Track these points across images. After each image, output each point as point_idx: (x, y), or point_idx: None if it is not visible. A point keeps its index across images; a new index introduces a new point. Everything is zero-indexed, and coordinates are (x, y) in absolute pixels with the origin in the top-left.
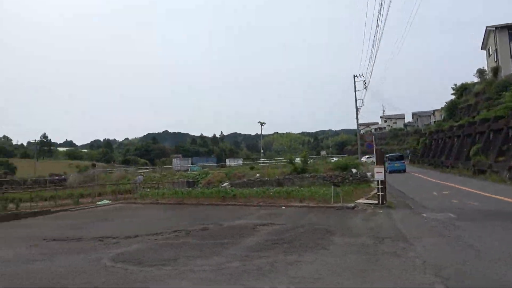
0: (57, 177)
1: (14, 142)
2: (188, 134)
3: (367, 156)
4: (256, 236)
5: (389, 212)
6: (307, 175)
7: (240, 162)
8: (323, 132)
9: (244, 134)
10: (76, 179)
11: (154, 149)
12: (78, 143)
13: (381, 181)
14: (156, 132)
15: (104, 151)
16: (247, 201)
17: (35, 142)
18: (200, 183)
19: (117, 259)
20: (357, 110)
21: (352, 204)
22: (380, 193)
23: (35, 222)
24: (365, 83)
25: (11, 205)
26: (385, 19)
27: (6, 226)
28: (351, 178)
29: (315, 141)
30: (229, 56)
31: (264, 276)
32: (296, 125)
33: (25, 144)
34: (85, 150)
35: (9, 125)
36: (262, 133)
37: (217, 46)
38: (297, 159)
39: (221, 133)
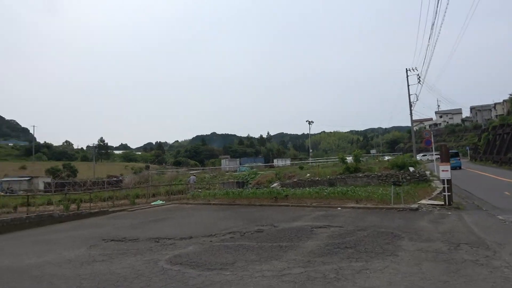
0: (115, 178)
1: (75, 147)
2: (235, 135)
3: (422, 154)
4: (315, 240)
5: (459, 214)
6: (360, 175)
7: (288, 162)
8: (372, 130)
9: (291, 134)
10: (131, 180)
11: (203, 150)
12: (132, 146)
13: (448, 180)
14: (205, 134)
15: (156, 153)
16: (300, 202)
17: (93, 146)
18: (250, 183)
19: (174, 261)
20: (410, 106)
21: (415, 205)
22: (446, 193)
23: (94, 222)
24: (419, 77)
25: (73, 206)
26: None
27: (68, 226)
28: (408, 177)
29: (364, 140)
30: (273, 56)
31: (331, 285)
32: (344, 124)
33: (84, 148)
34: (139, 153)
35: (71, 130)
36: (309, 133)
37: (260, 48)
38: (348, 158)
39: (268, 133)
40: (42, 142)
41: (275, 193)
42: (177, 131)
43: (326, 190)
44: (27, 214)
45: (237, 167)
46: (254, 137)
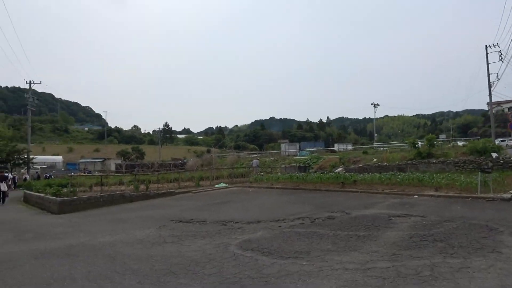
0: (180, 161)
1: (142, 131)
2: (293, 119)
3: (500, 140)
4: (396, 230)
5: None
6: (434, 160)
7: (350, 146)
8: (441, 113)
9: (351, 119)
10: (195, 163)
11: (262, 135)
12: (194, 130)
13: None
14: (263, 119)
15: (217, 137)
16: (370, 188)
17: (159, 130)
18: (312, 168)
19: (244, 246)
20: (490, 86)
21: (508, 195)
22: None
23: (162, 202)
24: (501, 54)
25: (142, 186)
26: None
27: (138, 205)
28: (491, 164)
29: (432, 124)
30: (334, 39)
31: (428, 285)
32: (409, 107)
33: (151, 132)
34: (201, 137)
35: (139, 115)
36: (372, 117)
37: (326, 35)
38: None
39: (328, 117)
40: (113, 126)
41: (342, 178)
42: (237, 116)
43: (399, 176)
44: (101, 193)
45: (296, 152)
46: (313, 122)
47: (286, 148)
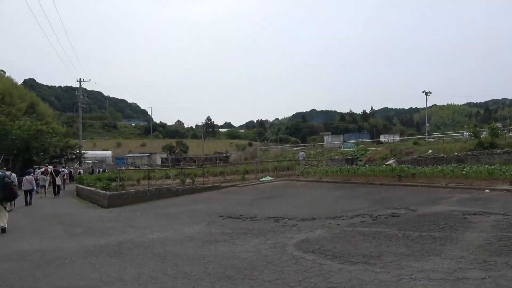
0: (224, 154)
1: (185, 125)
2: (335, 111)
3: None
4: (477, 231)
5: None
6: (498, 151)
7: (397, 137)
8: (495, 101)
9: (396, 109)
10: (238, 156)
11: (303, 127)
12: (235, 124)
13: None
14: (304, 111)
15: (258, 130)
16: (432, 182)
17: (202, 124)
18: (360, 160)
19: (304, 247)
20: None
21: None
22: None
23: (208, 196)
24: None
25: (187, 180)
26: None
27: (185, 199)
28: None
29: (485, 113)
30: (380, 27)
31: None
32: (459, 95)
33: (193, 126)
34: (242, 130)
35: (182, 111)
36: (418, 106)
37: (367, 16)
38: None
39: (371, 108)
40: (158, 122)
41: (398, 171)
42: (277, 109)
43: (464, 169)
44: (148, 187)
45: (340, 144)
46: (356, 113)
47: (329, 140)
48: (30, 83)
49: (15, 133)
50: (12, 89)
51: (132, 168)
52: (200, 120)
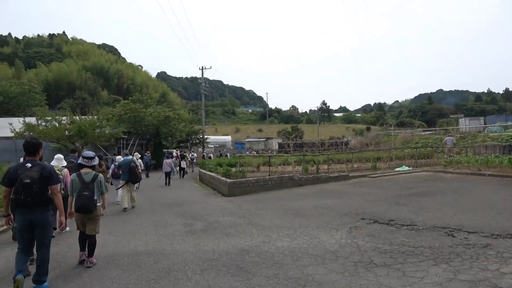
0: (346, 139)
1: (299, 111)
2: (467, 91)
3: None
4: None
5: None
6: None
7: None
8: None
9: None
10: (359, 141)
11: (429, 109)
12: (351, 108)
13: None
14: (429, 92)
15: (377, 114)
16: None
17: (317, 109)
18: None
19: None
20: None
21: None
22: None
23: (336, 188)
24: None
25: (310, 168)
26: None
27: (309, 191)
28: None
29: None
30: None
31: None
32: None
33: (307, 111)
34: (358, 114)
35: (296, 95)
36: None
37: None
38: None
39: None
40: (273, 107)
41: None
42: (397, 91)
43: None
44: (269, 175)
45: (481, 127)
46: (496, 92)
47: (466, 123)
48: (162, 76)
49: (147, 119)
50: (148, 81)
51: (254, 153)
52: (315, 105)
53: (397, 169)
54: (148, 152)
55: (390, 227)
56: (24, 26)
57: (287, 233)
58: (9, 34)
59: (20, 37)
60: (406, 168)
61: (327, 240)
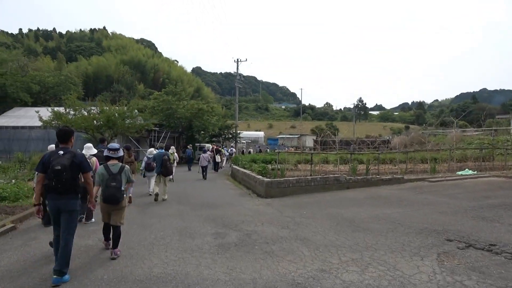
0: (387, 137)
1: (334, 108)
2: None
3: None
4: None
5: None
6: None
7: None
8: None
9: None
10: (401, 141)
11: (474, 109)
12: (387, 106)
13: None
14: (472, 91)
15: (416, 113)
16: None
17: (353, 106)
18: None
19: None
20: None
21: None
22: None
23: (392, 194)
24: None
25: (360, 167)
26: None
27: (359, 195)
28: None
29: None
30: None
31: None
32: None
33: (342, 109)
34: (396, 113)
35: (330, 93)
36: None
37: None
38: None
39: None
40: (307, 104)
41: None
42: (436, 89)
43: None
44: (311, 174)
45: None
46: None
47: None
48: (196, 71)
49: (180, 112)
50: (183, 76)
51: (291, 149)
52: (350, 102)
53: (459, 172)
54: (190, 145)
55: (495, 255)
56: (68, 21)
57: (351, 257)
58: (54, 29)
59: (64, 32)
60: (470, 172)
61: (413, 274)
